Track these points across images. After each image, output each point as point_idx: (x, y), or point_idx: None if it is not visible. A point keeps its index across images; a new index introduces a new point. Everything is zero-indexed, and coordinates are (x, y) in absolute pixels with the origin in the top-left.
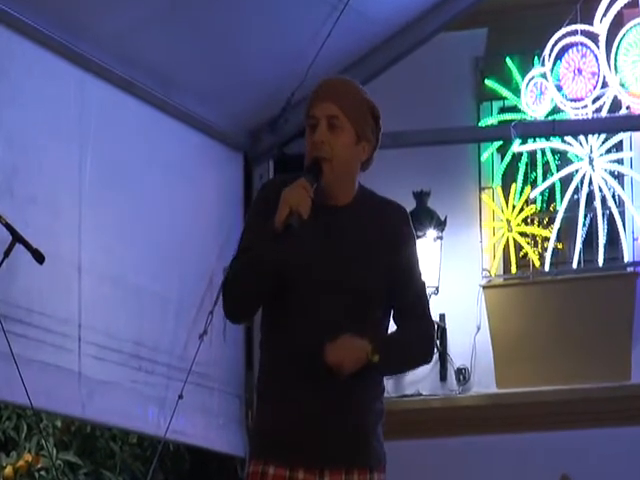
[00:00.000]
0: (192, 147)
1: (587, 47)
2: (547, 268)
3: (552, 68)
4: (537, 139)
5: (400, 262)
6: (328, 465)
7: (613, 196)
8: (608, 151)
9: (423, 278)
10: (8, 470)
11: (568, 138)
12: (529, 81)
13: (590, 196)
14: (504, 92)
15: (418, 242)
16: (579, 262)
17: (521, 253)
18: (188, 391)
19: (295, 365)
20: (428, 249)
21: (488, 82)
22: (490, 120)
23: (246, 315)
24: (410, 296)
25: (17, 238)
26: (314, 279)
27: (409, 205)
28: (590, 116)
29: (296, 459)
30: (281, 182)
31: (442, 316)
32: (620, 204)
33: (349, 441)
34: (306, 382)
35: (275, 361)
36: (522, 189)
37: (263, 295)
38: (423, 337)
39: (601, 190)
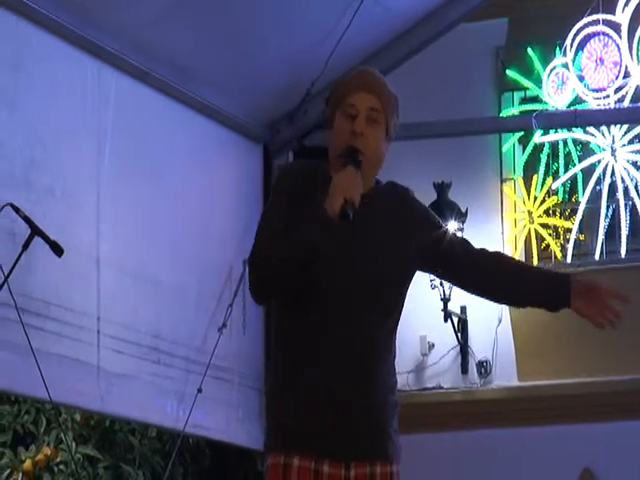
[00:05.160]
0: (211, 139)
1: (609, 37)
2: (569, 260)
3: (574, 58)
4: (559, 130)
5: (431, 236)
6: (355, 457)
7: (636, 187)
8: (630, 142)
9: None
10: (27, 464)
11: (590, 129)
12: (550, 71)
13: (612, 187)
14: (525, 82)
15: None
16: (601, 253)
17: (543, 245)
18: (207, 384)
19: (321, 359)
20: None
21: (509, 72)
22: (511, 111)
23: (278, 296)
24: (459, 250)
25: (35, 231)
26: (344, 274)
27: (430, 196)
28: (612, 106)
29: (323, 451)
30: (301, 168)
31: (463, 308)
32: None
33: (373, 433)
34: (331, 375)
35: (298, 355)
36: (544, 180)
37: (299, 279)
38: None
39: (623, 181)
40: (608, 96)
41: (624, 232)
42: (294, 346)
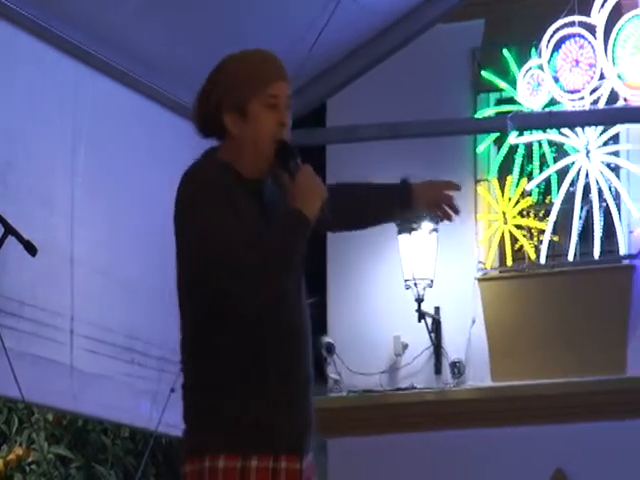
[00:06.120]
0: (188, 139)
1: (584, 38)
2: (543, 261)
3: (549, 59)
4: (534, 131)
5: None
6: (307, 450)
7: (609, 188)
8: (605, 143)
9: None
10: None
11: (565, 130)
12: (526, 72)
13: (586, 188)
14: (501, 83)
15: (413, 234)
16: (575, 255)
17: (517, 246)
18: (180, 384)
19: (286, 358)
20: (423, 241)
21: (485, 73)
22: (487, 111)
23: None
24: None
25: (9, 230)
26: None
27: None
28: (587, 108)
29: (283, 448)
30: (218, 171)
31: (437, 309)
32: (616, 197)
33: (314, 426)
34: (294, 373)
35: (264, 354)
36: (518, 181)
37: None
38: None
39: (597, 182)
40: (583, 98)
41: (598, 233)
42: (260, 346)
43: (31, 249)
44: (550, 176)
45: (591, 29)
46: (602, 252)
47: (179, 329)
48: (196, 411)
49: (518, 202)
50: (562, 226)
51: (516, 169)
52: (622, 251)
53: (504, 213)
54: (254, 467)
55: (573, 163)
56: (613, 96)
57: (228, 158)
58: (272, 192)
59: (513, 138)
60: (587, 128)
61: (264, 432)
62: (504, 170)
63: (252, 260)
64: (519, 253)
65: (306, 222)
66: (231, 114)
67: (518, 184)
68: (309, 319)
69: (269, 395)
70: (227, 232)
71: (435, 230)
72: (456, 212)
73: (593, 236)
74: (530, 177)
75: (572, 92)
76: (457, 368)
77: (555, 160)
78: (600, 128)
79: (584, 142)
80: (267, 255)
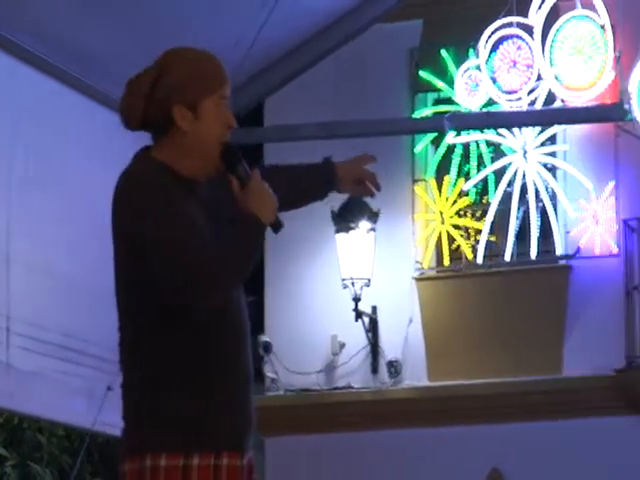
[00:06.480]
0: (128, 137)
1: (522, 39)
2: (480, 261)
3: (487, 60)
4: (471, 131)
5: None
6: (247, 448)
7: (546, 189)
8: (542, 144)
9: None
10: None
11: (502, 131)
12: (463, 73)
13: (523, 189)
14: (439, 84)
15: (351, 233)
16: (512, 255)
17: (454, 245)
18: (118, 383)
19: (235, 355)
20: (361, 241)
21: (423, 73)
22: (425, 111)
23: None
24: None
25: None
26: None
27: (341, 196)
28: (524, 108)
29: (225, 444)
30: (156, 171)
31: (374, 308)
32: (553, 197)
33: (254, 424)
34: (226, 370)
35: (191, 353)
36: (456, 181)
37: None
38: None
39: (534, 183)
40: (520, 98)
41: (534, 234)
42: (201, 346)
43: None
44: (487, 176)
45: (529, 30)
46: (539, 252)
47: (118, 328)
48: (136, 410)
49: (455, 202)
50: (499, 226)
51: (453, 169)
52: (559, 251)
53: (441, 213)
54: (196, 465)
55: (510, 163)
56: (550, 97)
57: (164, 157)
58: (212, 192)
59: (451, 138)
60: (524, 129)
61: (205, 430)
62: (441, 170)
63: (206, 264)
64: (456, 253)
65: (262, 227)
66: (180, 109)
67: (455, 184)
68: (248, 319)
69: (210, 394)
70: (176, 233)
71: (372, 229)
72: (377, 188)
73: (530, 236)
74: (467, 177)
75: (509, 93)
76: (394, 367)
77: (492, 160)
78: (537, 129)
79: (521, 143)
80: (223, 258)
